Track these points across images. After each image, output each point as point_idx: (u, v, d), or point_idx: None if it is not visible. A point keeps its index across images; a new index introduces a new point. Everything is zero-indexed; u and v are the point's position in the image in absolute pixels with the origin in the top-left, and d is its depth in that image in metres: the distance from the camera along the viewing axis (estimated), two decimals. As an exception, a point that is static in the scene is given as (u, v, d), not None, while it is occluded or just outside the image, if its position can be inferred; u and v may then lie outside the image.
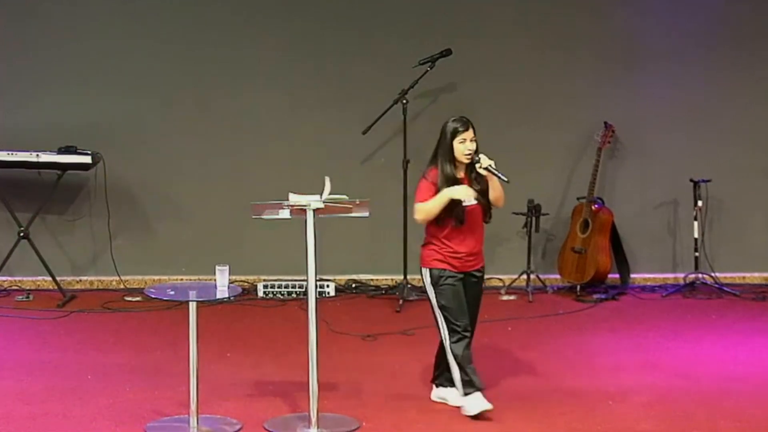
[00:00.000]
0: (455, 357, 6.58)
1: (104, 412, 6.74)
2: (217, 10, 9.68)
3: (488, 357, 7.53)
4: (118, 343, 8.16)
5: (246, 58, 9.68)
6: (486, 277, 9.44)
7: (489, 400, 6.58)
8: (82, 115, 9.60)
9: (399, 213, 9.34)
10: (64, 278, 9.58)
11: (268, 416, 6.65)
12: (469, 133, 6.57)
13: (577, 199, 9.61)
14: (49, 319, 8.77)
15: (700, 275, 9.66)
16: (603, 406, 6.83)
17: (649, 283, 9.78)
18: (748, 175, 9.83)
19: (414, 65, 9.34)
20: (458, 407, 6.67)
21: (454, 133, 6.58)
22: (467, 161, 6.57)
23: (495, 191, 6.61)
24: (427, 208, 6.59)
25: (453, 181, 6.56)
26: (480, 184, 6.60)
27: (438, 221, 6.62)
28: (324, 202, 6.54)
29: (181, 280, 9.19)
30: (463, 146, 6.56)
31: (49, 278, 9.40)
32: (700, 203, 9.61)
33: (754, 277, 9.88)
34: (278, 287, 9.47)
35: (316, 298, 6.53)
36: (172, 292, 6.62)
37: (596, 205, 9.52)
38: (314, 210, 6.52)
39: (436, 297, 6.65)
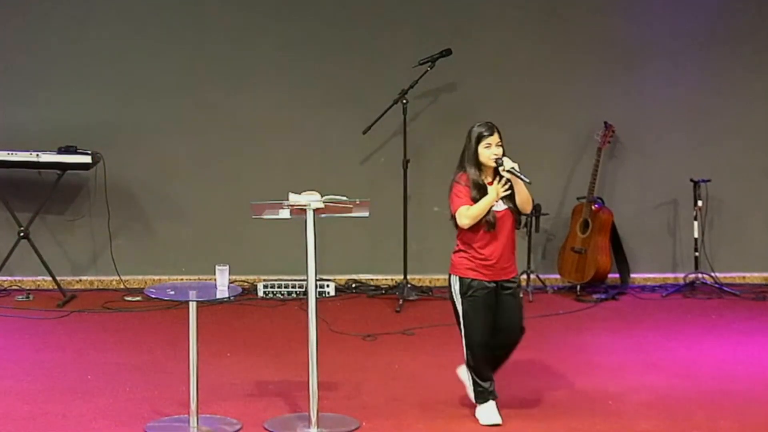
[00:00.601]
0: (471, 368, 6.55)
1: (104, 412, 6.74)
2: (217, 10, 9.68)
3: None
4: (118, 343, 8.16)
5: (246, 58, 9.68)
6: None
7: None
8: (82, 115, 9.61)
9: (399, 213, 9.34)
10: (64, 278, 9.58)
11: (268, 416, 6.65)
12: (495, 138, 6.49)
13: (577, 199, 9.61)
14: (49, 319, 8.77)
15: (700, 275, 9.66)
16: (603, 406, 6.83)
17: (649, 283, 9.78)
18: (748, 175, 9.83)
19: (414, 65, 9.34)
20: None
21: (479, 138, 6.50)
22: (493, 165, 6.48)
23: (520, 195, 6.49)
24: (473, 213, 6.44)
25: (480, 186, 6.48)
26: (507, 189, 6.49)
27: (471, 227, 6.49)
28: (324, 202, 6.54)
29: (181, 280, 9.19)
30: (488, 151, 6.48)
31: (49, 278, 9.40)
32: (700, 203, 9.61)
33: (754, 277, 9.88)
34: (278, 287, 9.46)
35: (316, 298, 6.53)
36: (172, 292, 6.62)
37: (596, 205, 9.52)
38: (314, 210, 6.52)
39: (462, 306, 6.54)
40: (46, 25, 9.60)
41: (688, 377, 7.38)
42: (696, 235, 9.67)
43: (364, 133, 9.37)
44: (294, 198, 6.56)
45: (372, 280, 9.75)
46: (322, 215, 6.58)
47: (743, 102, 9.79)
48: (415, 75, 9.35)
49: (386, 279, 9.70)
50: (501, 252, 6.49)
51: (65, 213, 9.71)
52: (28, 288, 9.56)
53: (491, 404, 6.55)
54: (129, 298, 9.33)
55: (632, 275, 9.77)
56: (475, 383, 6.56)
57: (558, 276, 9.66)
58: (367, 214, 6.63)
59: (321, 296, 9.34)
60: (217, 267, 6.57)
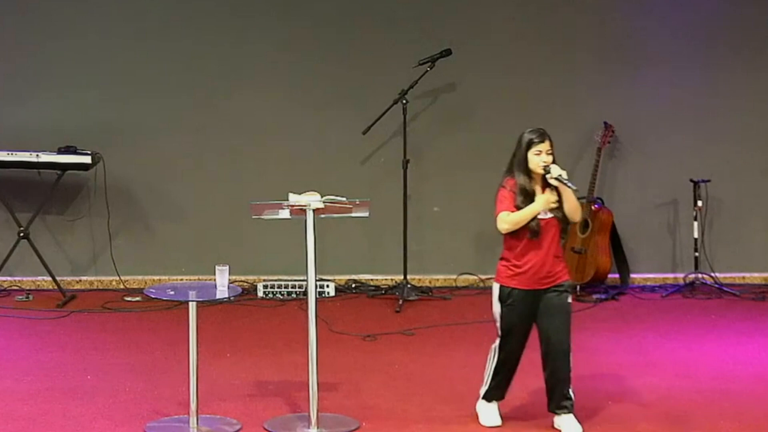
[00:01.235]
0: (494, 366, 6.50)
1: (104, 412, 6.74)
2: (217, 10, 9.68)
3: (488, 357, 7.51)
4: (118, 343, 8.16)
5: (246, 58, 9.68)
6: (485, 277, 9.60)
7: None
8: (82, 115, 9.60)
9: (399, 213, 9.34)
10: (64, 278, 9.57)
11: (268, 416, 6.65)
12: (545, 145, 6.40)
13: (577, 198, 9.60)
14: (49, 319, 8.77)
15: (700, 275, 9.66)
16: (603, 406, 6.83)
17: (649, 283, 9.78)
18: (748, 175, 9.83)
19: (414, 65, 9.34)
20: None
21: (529, 145, 6.41)
22: (542, 173, 6.39)
23: (568, 203, 6.38)
24: (514, 219, 6.37)
25: (527, 193, 6.39)
26: (556, 201, 6.41)
27: (513, 234, 6.42)
28: (324, 203, 6.54)
29: (181, 280, 9.19)
30: (538, 158, 6.39)
31: (49, 278, 9.39)
32: (699, 203, 9.61)
33: (754, 277, 9.88)
34: (278, 287, 9.46)
35: (316, 298, 6.53)
36: (172, 292, 6.62)
37: (596, 205, 9.52)
38: (314, 210, 6.52)
39: (501, 311, 6.46)
40: (46, 25, 9.60)
41: (688, 377, 7.38)
42: (696, 235, 9.67)
43: (364, 133, 9.37)
44: (294, 198, 6.56)
45: (372, 280, 9.74)
46: (322, 215, 6.58)
47: (743, 102, 9.79)
48: (415, 75, 9.35)
49: (386, 279, 9.70)
50: (542, 261, 6.38)
51: (65, 213, 9.71)
52: (27, 288, 9.55)
53: (494, 405, 6.54)
54: (129, 299, 9.33)
55: (632, 275, 9.77)
56: (493, 379, 6.51)
57: (558, 276, 9.65)
58: (367, 214, 6.63)
59: (321, 296, 9.33)
60: (217, 267, 6.56)
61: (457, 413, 6.71)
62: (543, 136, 6.44)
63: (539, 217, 6.37)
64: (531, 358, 7.54)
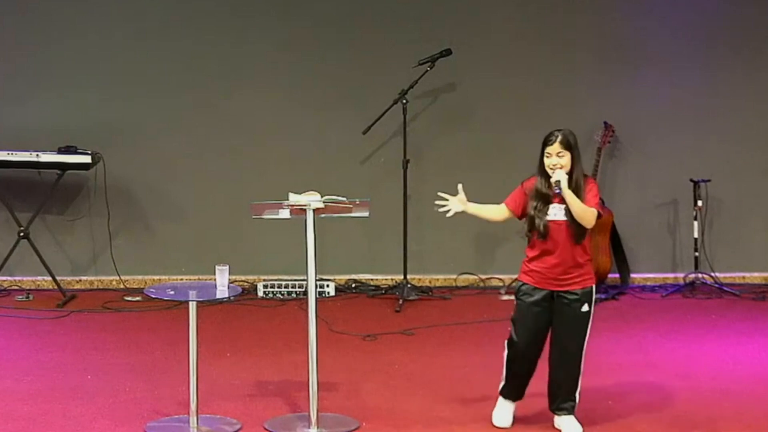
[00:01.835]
0: (505, 362, 6.48)
1: (104, 412, 6.74)
2: (217, 10, 9.68)
3: (488, 357, 7.52)
4: (118, 343, 8.16)
5: (246, 57, 9.69)
6: (485, 277, 9.60)
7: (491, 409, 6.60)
8: (82, 115, 9.61)
9: (399, 213, 9.35)
10: (64, 278, 9.58)
11: (268, 416, 6.65)
12: (554, 148, 6.30)
13: (577, 199, 9.61)
14: (49, 319, 8.77)
15: (700, 275, 9.66)
16: (603, 406, 6.83)
17: (649, 283, 9.78)
18: (748, 175, 9.83)
19: (414, 65, 9.34)
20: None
21: (543, 145, 6.35)
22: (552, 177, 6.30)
23: (572, 207, 6.25)
24: (493, 213, 6.46)
25: (541, 196, 6.30)
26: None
27: (531, 232, 6.36)
28: (324, 203, 6.54)
29: (181, 280, 9.19)
30: (548, 161, 6.31)
31: (49, 278, 9.40)
32: (699, 203, 9.61)
33: (754, 277, 9.88)
34: (278, 287, 9.46)
35: (316, 298, 6.53)
36: (172, 292, 6.62)
37: (596, 205, 9.52)
38: (314, 210, 6.52)
39: (514, 305, 6.47)
40: (46, 25, 9.60)
41: (688, 377, 7.38)
42: (696, 235, 9.67)
43: (364, 133, 9.37)
44: (294, 198, 6.56)
45: (372, 280, 9.75)
46: (322, 215, 6.58)
47: (743, 102, 9.79)
48: (415, 75, 9.35)
49: (386, 279, 9.70)
50: (554, 263, 6.31)
51: (65, 213, 9.71)
52: (28, 288, 9.56)
53: (508, 404, 6.52)
54: (129, 298, 9.33)
55: (632, 275, 9.77)
56: (504, 376, 6.50)
57: (558, 276, 9.64)
58: (367, 214, 6.62)
59: (321, 296, 9.34)
60: (217, 267, 6.56)
61: (457, 413, 6.71)
62: (554, 137, 6.35)
63: (548, 218, 6.31)
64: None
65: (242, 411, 6.74)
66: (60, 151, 9.29)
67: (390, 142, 9.66)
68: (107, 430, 6.48)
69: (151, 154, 9.68)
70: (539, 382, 6.52)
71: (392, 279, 9.64)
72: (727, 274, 9.79)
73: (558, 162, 6.30)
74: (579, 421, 6.44)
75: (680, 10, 9.75)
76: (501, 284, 9.61)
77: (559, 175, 6.26)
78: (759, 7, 9.76)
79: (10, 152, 9.26)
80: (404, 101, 9.31)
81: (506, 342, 6.49)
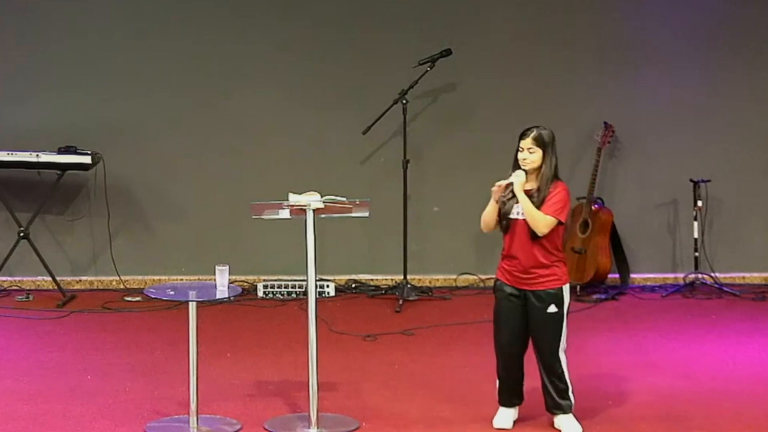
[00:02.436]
0: (497, 362, 6.52)
1: (104, 412, 6.74)
2: (217, 10, 9.68)
3: (488, 357, 7.51)
4: (118, 343, 8.16)
5: (246, 58, 9.68)
6: (485, 277, 9.60)
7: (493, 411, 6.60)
8: (82, 115, 9.60)
9: (399, 213, 9.34)
10: (64, 278, 9.57)
11: (268, 416, 6.65)
12: (526, 143, 6.31)
13: (577, 199, 9.61)
14: (48, 319, 8.77)
15: (700, 275, 9.66)
16: (603, 406, 6.83)
17: (649, 283, 9.78)
18: (748, 175, 9.83)
19: (414, 65, 9.34)
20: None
21: (519, 139, 6.37)
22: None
23: (524, 210, 6.26)
24: (483, 215, 6.44)
25: (511, 191, 6.33)
26: (535, 199, 6.30)
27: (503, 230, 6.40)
28: (324, 203, 6.55)
29: (181, 280, 9.19)
30: (519, 155, 6.35)
31: (49, 278, 9.39)
32: (699, 203, 9.61)
33: (754, 277, 9.88)
34: (278, 287, 9.46)
35: (316, 298, 6.53)
36: (172, 292, 6.62)
37: (596, 205, 9.52)
38: (314, 210, 6.52)
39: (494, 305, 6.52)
40: (46, 25, 9.60)
41: (688, 377, 7.38)
42: (696, 235, 9.67)
43: (364, 133, 9.37)
44: (294, 198, 6.57)
45: (372, 280, 9.74)
46: (322, 215, 6.58)
47: (743, 102, 9.78)
48: (415, 75, 9.35)
49: (386, 279, 9.70)
50: (518, 260, 6.35)
51: (65, 213, 9.71)
52: (28, 288, 9.55)
53: (508, 411, 6.52)
54: (129, 299, 9.33)
55: (632, 275, 9.76)
56: (498, 383, 6.53)
57: (558, 276, 9.64)
58: (367, 214, 6.63)
59: (321, 296, 9.33)
60: (217, 267, 6.57)
61: (457, 413, 6.72)
62: (527, 132, 6.38)
63: (511, 216, 6.34)
64: (529, 358, 7.55)
65: (242, 411, 6.75)
66: (60, 151, 9.29)
67: (390, 142, 9.66)
68: (107, 430, 6.48)
69: (151, 154, 9.68)
70: (532, 380, 6.52)
71: (392, 279, 9.64)
72: (727, 274, 9.78)
73: (528, 157, 6.33)
74: (578, 419, 6.44)
75: (680, 10, 9.75)
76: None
77: (512, 178, 6.29)
78: (759, 7, 9.76)
79: (10, 152, 9.26)
80: (404, 101, 9.31)
81: (494, 345, 6.53)
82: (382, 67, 9.64)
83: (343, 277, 9.69)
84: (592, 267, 9.42)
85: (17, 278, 9.63)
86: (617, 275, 9.72)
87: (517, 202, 6.32)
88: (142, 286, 9.16)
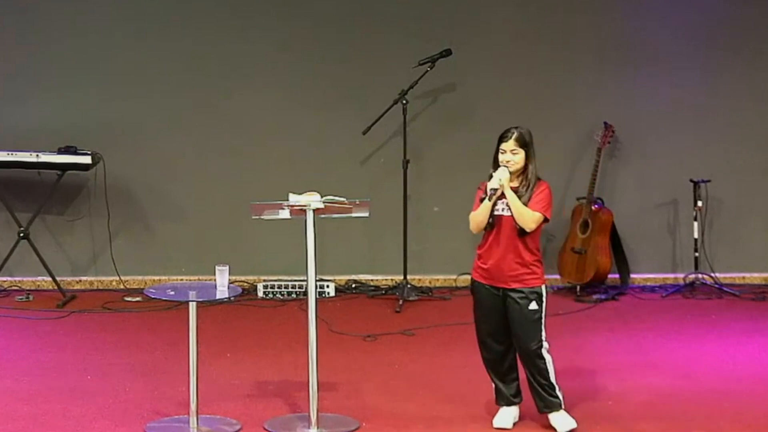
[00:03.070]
0: (483, 363, 6.55)
1: (104, 412, 6.75)
2: (217, 10, 9.68)
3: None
4: (118, 344, 8.16)
5: (246, 58, 9.68)
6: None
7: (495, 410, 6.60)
8: (82, 115, 9.61)
9: (399, 213, 9.34)
10: (64, 278, 9.57)
11: (268, 416, 6.66)
12: (509, 144, 6.34)
13: (577, 199, 9.62)
14: (48, 319, 8.77)
15: (700, 275, 9.66)
16: (603, 406, 6.83)
17: (649, 283, 9.78)
18: (748, 175, 9.83)
19: (414, 65, 9.34)
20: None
21: (498, 142, 6.40)
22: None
23: (512, 207, 6.31)
24: (472, 216, 6.39)
25: (495, 190, 6.32)
26: (523, 197, 6.34)
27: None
28: (324, 203, 6.55)
29: (181, 280, 9.19)
30: (502, 157, 6.37)
31: (49, 278, 9.39)
32: (699, 203, 9.61)
33: (754, 277, 9.88)
34: (278, 287, 9.46)
35: (316, 298, 6.53)
36: (172, 292, 6.62)
37: (596, 205, 9.52)
38: (314, 210, 6.52)
39: (472, 306, 6.53)
40: (46, 25, 9.60)
41: (688, 377, 7.38)
42: (696, 235, 9.67)
43: (364, 133, 9.37)
44: (294, 198, 6.57)
45: (372, 280, 9.74)
46: (322, 215, 6.58)
47: (743, 102, 9.79)
48: (415, 75, 9.35)
49: (386, 279, 9.70)
50: (499, 257, 6.36)
51: (65, 213, 9.71)
52: (28, 288, 9.55)
53: (507, 410, 6.53)
54: (129, 299, 9.33)
55: (632, 275, 9.76)
56: (491, 380, 6.55)
57: (558, 276, 9.65)
58: (367, 214, 6.63)
59: (321, 296, 9.33)
60: (217, 267, 6.57)
61: (457, 413, 6.72)
62: (509, 133, 6.40)
63: (496, 213, 6.35)
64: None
65: (242, 411, 6.75)
66: (60, 152, 9.29)
67: (390, 142, 9.66)
68: (107, 430, 6.48)
69: (151, 154, 9.68)
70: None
71: (392, 279, 9.64)
72: (727, 275, 9.78)
73: (512, 159, 6.36)
74: (571, 415, 6.45)
75: (680, 10, 9.75)
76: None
77: (494, 182, 6.30)
78: (759, 7, 9.76)
79: (10, 152, 9.26)
80: (404, 101, 9.31)
81: (479, 348, 6.54)
82: (382, 67, 9.64)
83: (343, 277, 9.69)
84: (592, 267, 9.42)
85: (17, 278, 9.63)
86: (617, 275, 9.72)
87: (500, 199, 6.34)
88: (142, 286, 9.16)
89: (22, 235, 9.34)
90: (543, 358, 6.40)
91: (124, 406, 6.85)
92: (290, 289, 9.44)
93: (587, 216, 9.49)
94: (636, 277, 9.80)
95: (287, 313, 9.01)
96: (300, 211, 6.55)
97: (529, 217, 6.31)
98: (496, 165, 6.40)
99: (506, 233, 6.36)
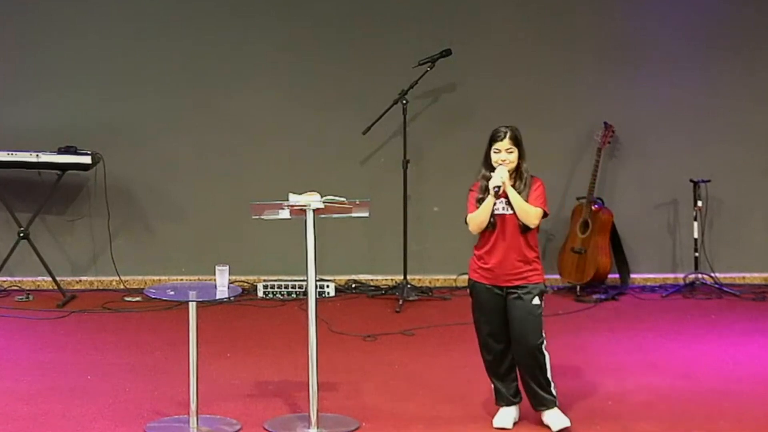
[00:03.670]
0: (484, 364, 6.55)
1: (104, 412, 6.74)
2: (217, 10, 9.68)
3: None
4: (118, 344, 8.16)
5: (246, 57, 9.69)
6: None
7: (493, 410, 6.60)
8: (82, 115, 9.61)
9: (399, 213, 9.35)
10: (64, 278, 9.58)
11: (268, 416, 6.65)
12: (504, 144, 6.36)
13: (577, 199, 9.62)
14: (48, 319, 8.77)
15: (700, 275, 9.66)
16: (603, 406, 6.83)
17: (649, 283, 9.78)
18: (748, 175, 9.83)
19: (414, 65, 9.34)
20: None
21: (491, 141, 6.41)
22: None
23: (514, 204, 6.33)
24: (473, 216, 6.39)
25: (488, 190, 6.33)
26: (521, 194, 6.35)
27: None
28: (324, 203, 6.55)
29: (181, 280, 9.19)
30: (497, 156, 6.37)
31: (49, 278, 9.40)
32: (699, 203, 9.62)
33: (754, 277, 9.88)
34: (278, 287, 9.47)
35: (316, 298, 6.53)
36: (172, 293, 6.62)
37: (596, 205, 9.53)
38: (314, 210, 6.52)
39: (471, 305, 6.52)
40: (46, 25, 9.60)
41: (688, 377, 7.38)
42: (696, 235, 9.67)
43: (364, 133, 9.37)
44: (294, 198, 6.57)
45: (372, 280, 9.75)
46: (322, 215, 6.58)
47: (743, 102, 9.79)
48: (415, 75, 9.35)
49: (386, 279, 9.70)
50: (502, 257, 6.36)
51: (65, 213, 9.71)
52: (27, 288, 9.56)
53: (507, 410, 6.53)
54: (129, 299, 9.33)
55: (632, 275, 9.77)
56: (491, 380, 6.55)
57: (558, 276, 9.66)
58: (367, 214, 6.63)
59: (321, 296, 9.34)
60: (217, 267, 6.57)
61: (457, 413, 6.71)
62: (504, 133, 6.42)
63: (497, 211, 6.36)
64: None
65: (242, 411, 6.75)
66: (60, 152, 9.29)
67: (390, 142, 9.67)
68: (107, 430, 6.48)
69: (151, 154, 9.68)
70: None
71: (392, 279, 9.64)
72: (727, 275, 9.79)
73: (507, 158, 6.37)
74: (564, 413, 6.46)
75: (680, 10, 9.75)
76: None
77: (496, 180, 6.30)
78: (759, 7, 9.76)
79: (10, 152, 9.26)
80: (404, 101, 9.31)
81: (480, 348, 6.53)
82: (382, 67, 9.64)
83: (343, 277, 9.69)
84: (592, 267, 9.42)
85: (17, 278, 9.64)
86: (617, 275, 9.73)
87: (498, 198, 6.34)
88: (142, 286, 9.17)
89: (22, 235, 9.35)
90: (543, 354, 6.41)
91: (124, 406, 6.85)
92: (290, 289, 9.45)
93: (587, 216, 9.49)
94: (636, 277, 9.80)
95: (287, 313, 9.01)
96: (300, 211, 6.54)
97: (532, 213, 6.34)
98: (488, 165, 6.41)
99: (509, 232, 6.37)
